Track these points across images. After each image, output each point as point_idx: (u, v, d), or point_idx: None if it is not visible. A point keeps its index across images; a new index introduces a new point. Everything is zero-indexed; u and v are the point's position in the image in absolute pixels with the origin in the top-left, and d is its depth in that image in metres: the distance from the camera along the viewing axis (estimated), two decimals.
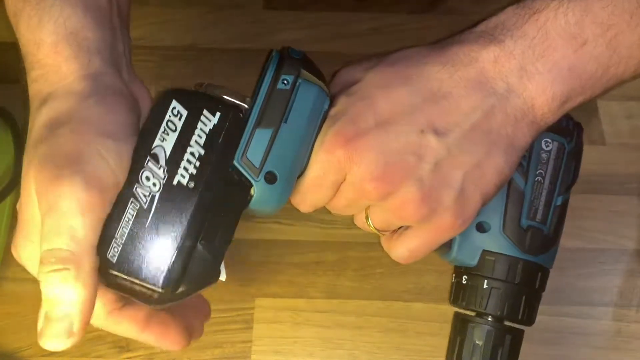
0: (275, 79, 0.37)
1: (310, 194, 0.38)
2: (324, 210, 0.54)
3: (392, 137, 0.35)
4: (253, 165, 0.36)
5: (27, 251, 0.34)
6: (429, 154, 0.35)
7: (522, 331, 0.42)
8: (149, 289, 0.34)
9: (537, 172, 0.41)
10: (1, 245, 0.52)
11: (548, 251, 0.41)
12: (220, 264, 0.36)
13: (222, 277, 0.37)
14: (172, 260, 0.33)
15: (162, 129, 0.35)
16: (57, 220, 0.31)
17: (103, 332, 0.49)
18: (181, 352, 0.49)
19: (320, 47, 0.60)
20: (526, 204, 0.40)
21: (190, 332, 0.37)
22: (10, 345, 0.49)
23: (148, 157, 0.34)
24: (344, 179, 0.37)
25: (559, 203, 0.41)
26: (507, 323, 0.41)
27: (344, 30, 0.61)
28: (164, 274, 0.33)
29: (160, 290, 0.33)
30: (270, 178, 0.36)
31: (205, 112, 0.36)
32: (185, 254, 0.34)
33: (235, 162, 0.36)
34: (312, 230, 0.54)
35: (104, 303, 0.35)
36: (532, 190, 0.40)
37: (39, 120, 0.34)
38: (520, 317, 0.40)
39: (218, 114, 0.36)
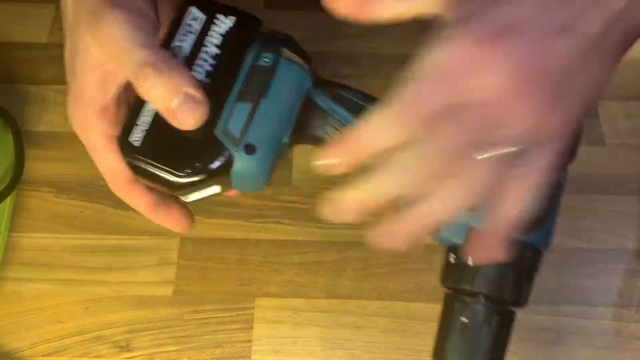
0: (256, 56, 0.39)
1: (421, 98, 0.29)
2: None
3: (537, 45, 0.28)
4: (233, 136, 0.37)
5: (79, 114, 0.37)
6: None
7: (512, 312, 0.41)
8: (170, 173, 0.36)
9: None
10: (1, 245, 0.52)
11: (537, 230, 0.40)
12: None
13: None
14: (195, 145, 0.36)
15: (180, 31, 0.37)
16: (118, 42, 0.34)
17: (103, 332, 0.50)
18: (181, 352, 0.49)
19: (320, 47, 0.60)
20: None
21: (191, 220, 0.41)
22: (10, 345, 0.49)
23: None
24: (460, 102, 0.29)
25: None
26: (497, 304, 0.40)
27: (344, 30, 0.61)
28: (185, 158, 0.36)
29: (179, 174, 0.36)
30: (250, 149, 0.38)
31: (219, 15, 0.38)
32: (207, 142, 0.37)
33: (216, 133, 0.37)
34: (312, 230, 0.54)
35: (120, 170, 0.37)
36: None
37: None
38: (508, 296, 0.40)
39: (233, 18, 0.38)
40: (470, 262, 0.38)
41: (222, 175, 0.38)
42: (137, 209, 0.39)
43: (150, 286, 0.51)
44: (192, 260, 0.52)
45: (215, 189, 0.40)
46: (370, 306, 0.51)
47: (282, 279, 0.52)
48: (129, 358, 0.49)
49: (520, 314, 0.51)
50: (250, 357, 0.49)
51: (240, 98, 0.38)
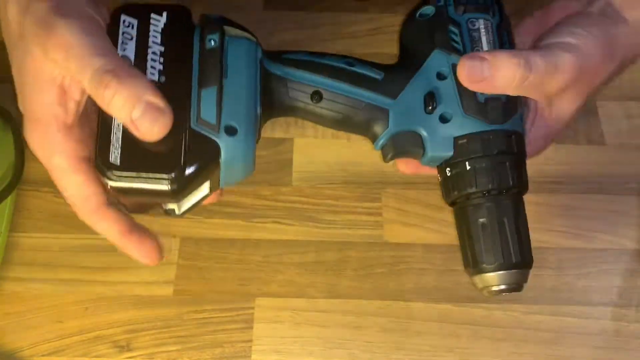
0: (202, 42, 0.39)
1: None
2: (323, 210, 0.54)
3: None
4: (210, 123, 0.37)
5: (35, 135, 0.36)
6: None
7: (519, 195, 0.42)
8: (160, 178, 0.35)
9: (474, 48, 0.41)
10: (1, 245, 0.52)
11: (512, 117, 0.41)
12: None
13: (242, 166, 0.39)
14: (175, 144, 0.36)
15: (120, 41, 0.37)
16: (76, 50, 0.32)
17: (103, 332, 0.50)
18: (181, 352, 0.49)
19: (320, 47, 0.60)
20: None
21: (162, 252, 0.39)
22: (10, 345, 0.49)
23: None
24: None
25: None
26: (504, 194, 0.41)
27: (344, 30, 0.61)
28: (170, 159, 0.35)
29: (170, 176, 0.35)
30: (231, 130, 0.37)
31: (152, 15, 0.38)
32: (189, 135, 0.36)
33: (192, 127, 0.37)
34: (312, 230, 0.54)
35: (91, 194, 0.36)
36: None
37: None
38: (511, 183, 0.41)
39: (165, 13, 0.39)
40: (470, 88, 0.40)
41: (212, 167, 0.38)
42: (107, 235, 0.37)
43: (150, 286, 0.51)
44: (192, 260, 0.52)
45: (204, 190, 0.39)
46: (370, 306, 0.51)
47: (282, 279, 0.52)
48: (129, 358, 0.49)
49: (521, 314, 0.51)
50: (250, 357, 0.49)
51: (202, 85, 0.38)
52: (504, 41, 0.42)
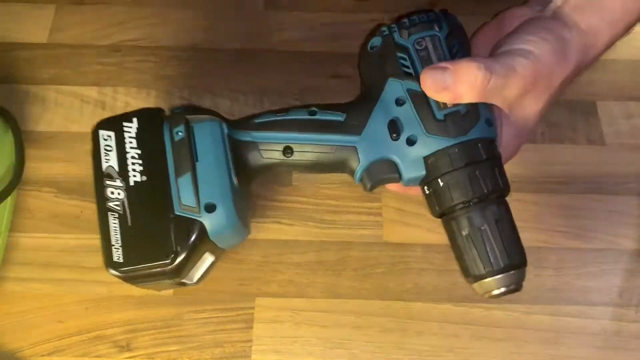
0: (171, 136, 0.44)
1: None
2: (323, 210, 0.54)
3: None
4: (191, 207, 0.43)
5: None
6: None
7: (501, 199, 0.43)
8: (161, 264, 0.42)
9: None
10: (1, 245, 0.52)
11: (476, 125, 0.42)
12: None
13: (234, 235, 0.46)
14: (166, 232, 0.42)
15: (103, 154, 0.44)
16: None
17: (103, 332, 0.50)
18: (181, 352, 0.49)
19: (321, 47, 0.60)
20: (432, 101, 0.42)
21: None
22: (10, 345, 0.49)
23: (104, 178, 0.44)
24: None
25: None
26: (482, 202, 0.42)
27: (344, 30, 0.61)
28: (165, 247, 0.42)
29: (167, 262, 0.42)
30: (210, 208, 0.43)
31: (124, 124, 0.45)
32: (175, 222, 0.42)
33: (177, 213, 0.43)
34: (312, 230, 0.54)
35: None
36: None
37: None
38: (486, 190, 0.42)
39: (135, 119, 0.45)
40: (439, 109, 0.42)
41: (204, 242, 0.43)
42: None
43: None
44: None
45: (209, 258, 0.46)
46: (370, 306, 0.51)
47: (282, 278, 0.52)
48: (129, 358, 0.49)
49: (521, 314, 0.51)
50: (250, 357, 0.49)
51: (178, 174, 0.43)
52: (454, 52, 0.43)
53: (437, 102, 0.42)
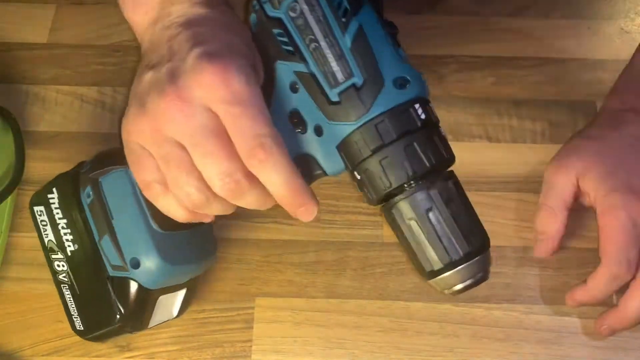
0: (79, 201, 0.43)
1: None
2: (323, 210, 0.54)
3: None
4: (119, 266, 0.41)
5: None
6: None
7: (448, 173, 0.36)
8: (115, 328, 0.43)
9: (308, 41, 0.35)
10: (1, 245, 0.52)
11: (379, 94, 0.34)
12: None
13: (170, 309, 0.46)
14: (108, 295, 0.42)
15: (42, 230, 0.44)
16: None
17: None
18: (181, 352, 0.49)
19: None
20: (321, 80, 0.35)
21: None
22: (10, 345, 0.49)
23: (48, 253, 0.44)
24: None
25: (349, 43, 0.35)
26: (427, 180, 0.35)
27: None
28: (111, 310, 0.42)
29: (119, 322, 0.42)
30: (135, 264, 0.41)
31: (48, 195, 0.44)
32: (111, 283, 0.42)
33: (111, 274, 0.42)
34: (311, 230, 0.54)
35: None
36: (316, 63, 0.35)
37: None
38: (428, 163, 0.35)
39: (54, 189, 0.44)
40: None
41: (148, 294, 0.42)
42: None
43: None
44: None
45: (179, 292, 0.46)
46: (370, 306, 0.51)
47: (282, 278, 0.52)
48: (129, 358, 0.49)
49: (521, 314, 0.51)
50: (250, 357, 0.49)
51: (100, 236, 0.42)
52: (338, 3, 0.35)
53: (326, 79, 0.35)
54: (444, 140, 0.36)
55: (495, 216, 0.54)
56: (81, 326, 0.43)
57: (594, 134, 0.52)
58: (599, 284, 0.47)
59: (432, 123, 0.36)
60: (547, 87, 0.60)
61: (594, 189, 0.49)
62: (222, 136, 0.34)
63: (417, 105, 0.35)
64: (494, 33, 0.63)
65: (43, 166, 0.55)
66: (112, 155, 0.43)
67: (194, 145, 0.34)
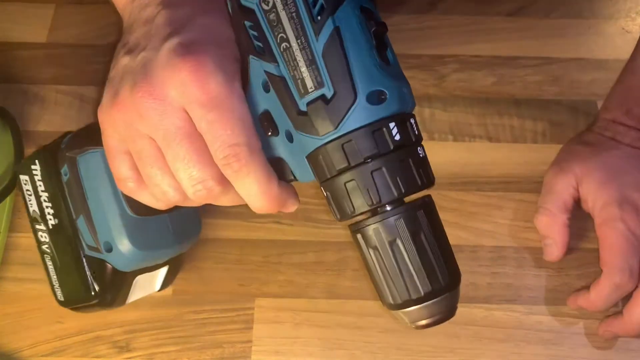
0: (59, 178, 0.42)
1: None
2: (323, 210, 0.54)
3: None
4: (94, 247, 0.41)
5: None
6: None
7: (421, 200, 0.33)
8: (93, 302, 0.43)
9: (279, 40, 0.31)
10: (1, 245, 0.52)
11: (350, 109, 0.30)
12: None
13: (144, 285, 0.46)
14: (84, 273, 0.42)
15: (27, 199, 0.44)
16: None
17: (103, 332, 0.50)
18: (181, 352, 0.49)
19: None
20: (291, 86, 0.31)
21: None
22: (10, 345, 0.49)
23: (33, 222, 0.44)
24: None
25: (321, 48, 0.30)
26: (396, 207, 0.32)
27: None
28: (88, 288, 0.42)
29: (94, 299, 0.42)
30: (108, 247, 0.41)
31: (31, 166, 0.43)
32: (87, 262, 0.42)
33: (86, 254, 0.42)
34: (312, 230, 0.54)
35: None
36: (287, 66, 0.31)
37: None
38: (396, 191, 0.31)
39: (37, 161, 0.43)
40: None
41: (122, 275, 0.43)
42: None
43: None
44: (192, 261, 0.52)
45: (162, 270, 0.46)
46: (370, 306, 0.51)
47: (282, 279, 0.52)
48: (129, 358, 0.49)
49: (521, 314, 0.51)
50: (250, 357, 0.49)
51: (76, 215, 0.42)
52: (316, 2, 0.30)
53: (296, 86, 0.31)
54: (421, 164, 0.32)
55: (495, 216, 0.54)
56: (62, 297, 0.44)
57: (592, 140, 0.52)
58: (602, 294, 0.47)
59: (409, 144, 0.32)
60: (547, 87, 0.60)
61: (592, 198, 0.49)
62: (196, 139, 0.32)
63: (392, 124, 0.31)
64: (494, 32, 0.63)
65: None
66: (90, 134, 0.40)
67: (166, 147, 0.33)
